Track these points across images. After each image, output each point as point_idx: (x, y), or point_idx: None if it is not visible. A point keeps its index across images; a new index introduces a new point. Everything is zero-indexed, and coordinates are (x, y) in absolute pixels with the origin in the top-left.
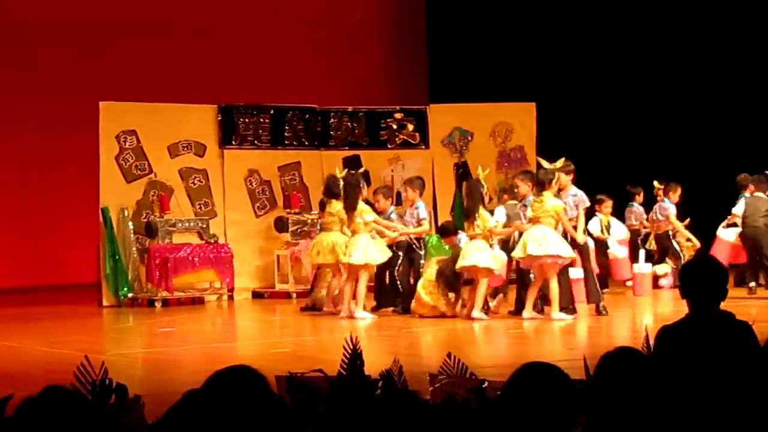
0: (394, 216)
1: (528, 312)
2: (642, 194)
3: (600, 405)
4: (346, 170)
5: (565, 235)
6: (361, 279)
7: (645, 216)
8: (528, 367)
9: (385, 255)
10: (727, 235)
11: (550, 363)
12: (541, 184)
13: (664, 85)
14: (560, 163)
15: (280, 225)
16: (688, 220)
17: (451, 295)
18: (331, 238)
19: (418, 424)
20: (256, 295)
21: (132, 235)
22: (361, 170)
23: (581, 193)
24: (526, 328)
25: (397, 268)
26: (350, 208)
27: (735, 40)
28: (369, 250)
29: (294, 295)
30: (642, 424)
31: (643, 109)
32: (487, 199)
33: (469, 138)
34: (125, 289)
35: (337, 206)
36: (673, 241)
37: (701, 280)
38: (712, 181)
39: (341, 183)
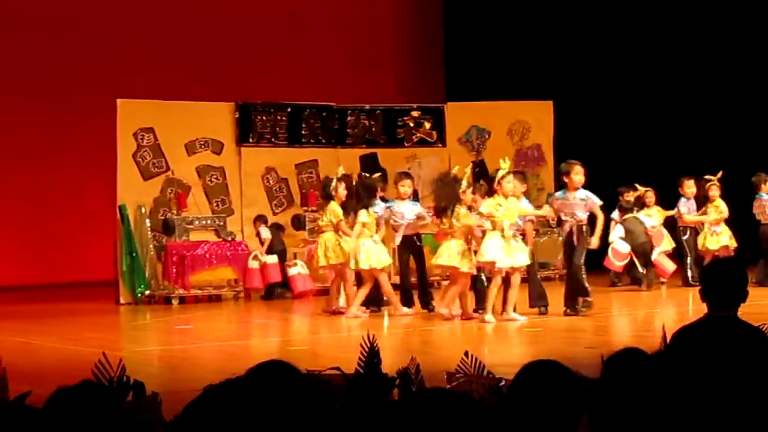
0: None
1: (508, 314)
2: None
3: (606, 407)
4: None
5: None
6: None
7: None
8: (532, 365)
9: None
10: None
11: (554, 360)
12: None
13: (682, 82)
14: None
15: (297, 223)
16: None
17: None
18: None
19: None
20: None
21: (149, 233)
22: (378, 175)
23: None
24: (543, 326)
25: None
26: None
27: (752, 37)
28: (371, 254)
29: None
30: (649, 426)
31: (660, 106)
32: None
33: (486, 136)
34: (142, 286)
35: (334, 207)
36: None
37: (721, 281)
38: (730, 178)
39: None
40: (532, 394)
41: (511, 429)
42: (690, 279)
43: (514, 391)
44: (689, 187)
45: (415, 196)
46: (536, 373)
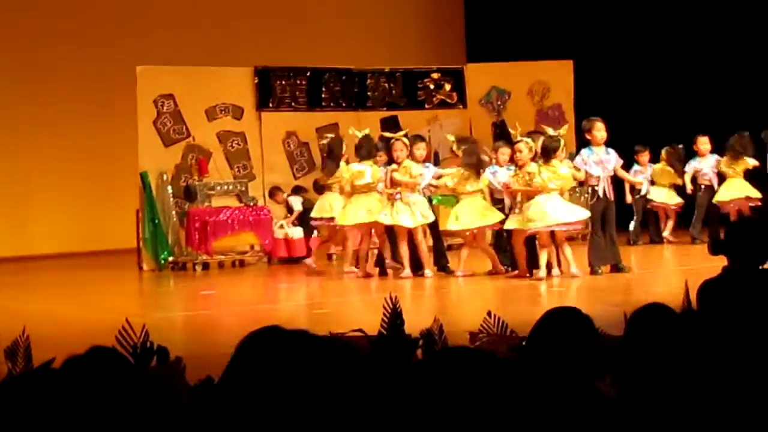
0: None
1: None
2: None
3: (632, 363)
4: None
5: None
6: None
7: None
8: (552, 311)
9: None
10: None
11: (573, 307)
12: (547, 153)
13: (704, 39)
14: (564, 130)
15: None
16: None
17: None
18: None
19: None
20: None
21: (171, 199)
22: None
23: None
24: (568, 286)
25: None
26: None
27: None
28: None
29: (334, 257)
30: (675, 382)
31: (681, 64)
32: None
33: (507, 97)
34: (165, 253)
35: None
36: None
37: (751, 236)
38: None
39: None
40: (552, 338)
41: (532, 379)
42: (693, 236)
43: (535, 336)
44: (703, 144)
45: (435, 159)
46: (557, 319)
